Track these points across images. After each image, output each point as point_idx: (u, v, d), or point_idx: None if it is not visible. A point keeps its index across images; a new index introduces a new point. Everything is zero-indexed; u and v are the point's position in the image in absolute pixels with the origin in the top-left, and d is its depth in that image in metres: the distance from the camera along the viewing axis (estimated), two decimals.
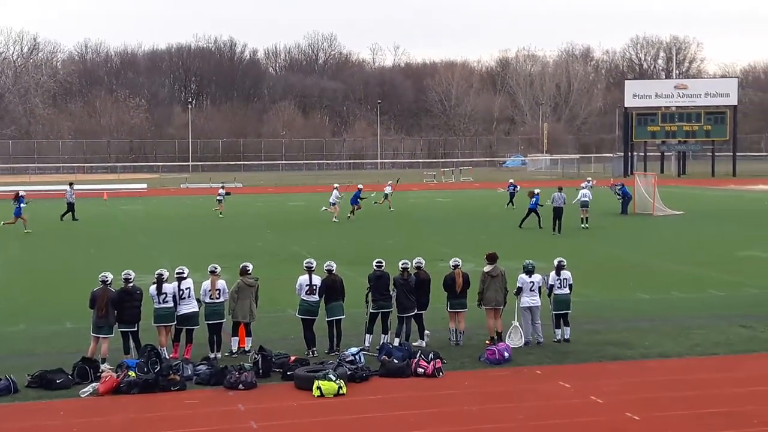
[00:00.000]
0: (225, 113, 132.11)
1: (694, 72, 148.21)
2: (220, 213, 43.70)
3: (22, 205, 37.16)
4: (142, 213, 47.90)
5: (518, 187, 47.18)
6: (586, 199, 36.64)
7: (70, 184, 43.94)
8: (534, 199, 36.19)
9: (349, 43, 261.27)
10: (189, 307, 15.48)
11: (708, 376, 14.06)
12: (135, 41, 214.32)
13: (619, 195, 42.58)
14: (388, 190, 46.37)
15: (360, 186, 43.29)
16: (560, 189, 35.74)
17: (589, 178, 46.43)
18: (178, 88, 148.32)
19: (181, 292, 15.43)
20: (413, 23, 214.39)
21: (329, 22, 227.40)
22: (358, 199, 41.69)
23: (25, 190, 40.86)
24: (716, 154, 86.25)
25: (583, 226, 35.69)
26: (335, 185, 42.81)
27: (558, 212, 34.62)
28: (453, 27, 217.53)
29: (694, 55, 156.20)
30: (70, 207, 41.72)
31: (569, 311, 16.44)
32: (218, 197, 44.55)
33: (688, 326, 17.51)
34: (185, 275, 15.55)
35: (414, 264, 16.40)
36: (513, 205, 45.03)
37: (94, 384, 13.68)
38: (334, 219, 40.29)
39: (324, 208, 41.84)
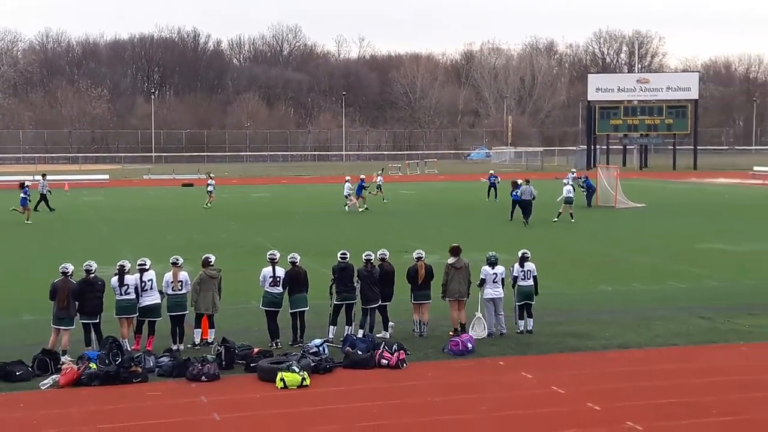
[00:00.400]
0: (188, 104, 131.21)
1: (656, 66, 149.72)
2: (208, 203, 43.51)
3: (23, 195, 37.70)
4: (103, 204, 47.44)
5: (499, 178, 47.42)
6: (570, 195, 36.53)
7: (43, 175, 44.45)
8: (518, 189, 35.90)
9: (314, 34, 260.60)
10: (151, 298, 15.36)
11: (668, 367, 14.22)
12: (97, 31, 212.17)
13: (583, 188, 42.91)
14: (379, 180, 46.75)
15: (362, 177, 43.42)
16: (527, 182, 36.00)
17: (573, 170, 46.86)
18: (141, 78, 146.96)
19: (143, 283, 15.31)
20: (378, 15, 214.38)
21: (294, 13, 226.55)
22: (362, 190, 42.08)
23: (30, 180, 41.17)
24: (677, 147, 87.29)
25: (569, 221, 35.59)
26: (347, 177, 43.54)
27: (525, 205, 34.85)
28: (418, 19, 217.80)
29: (656, 49, 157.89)
30: (43, 198, 41.95)
31: (533, 302, 16.55)
32: (208, 188, 44.35)
33: (649, 317, 17.70)
34: (147, 267, 15.42)
35: (378, 256, 16.42)
36: (496, 198, 45.12)
37: (54, 376, 13.53)
38: (346, 207, 41.14)
39: (347, 206, 41.69)
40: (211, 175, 46.05)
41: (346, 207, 41.22)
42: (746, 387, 13.08)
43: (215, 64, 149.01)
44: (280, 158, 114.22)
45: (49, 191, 42.66)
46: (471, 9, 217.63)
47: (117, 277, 15.23)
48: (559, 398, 12.63)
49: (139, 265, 15.43)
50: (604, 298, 20.11)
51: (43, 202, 41.78)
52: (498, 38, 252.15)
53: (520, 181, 36.70)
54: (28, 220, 37.01)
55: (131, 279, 15.27)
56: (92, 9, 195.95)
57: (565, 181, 39.10)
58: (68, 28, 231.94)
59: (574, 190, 37.59)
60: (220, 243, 29.12)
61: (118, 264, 15.39)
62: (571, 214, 35.94)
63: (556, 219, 35.74)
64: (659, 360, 14.67)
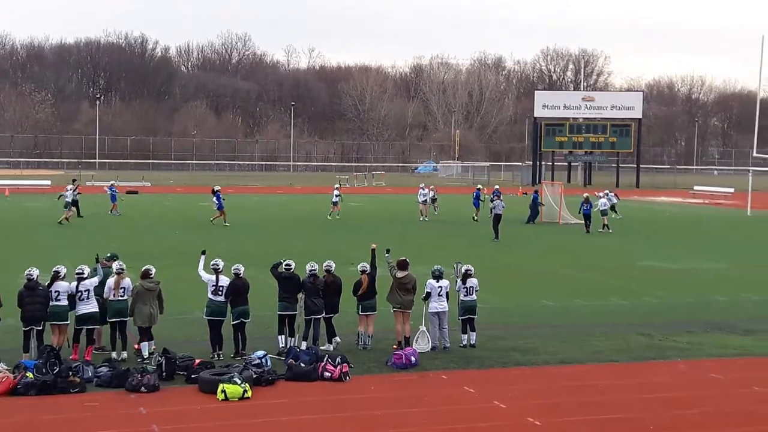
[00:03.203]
0: (134, 110, 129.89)
1: (601, 85, 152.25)
2: (337, 214, 43.14)
3: (215, 199, 38.79)
4: (44, 210, 46.58)
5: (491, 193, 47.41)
6: (605, 208, 40.31)
7: (73, 181, 43.93)
8: (588, 205, 38.85)
9: (264, 43, 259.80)
10: (88, 307, 15.08)
11: (608, 383, 14.40)
12: (42, 34, 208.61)
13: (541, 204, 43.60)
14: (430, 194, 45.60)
15: (479, 186, 45.95)
16: (499, 196, 36.80)
17: (608, 192, 47.83)
18: (86, 83, 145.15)
19: (79, 292, 15.02)
20: (328, 26, 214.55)
21: (243, 22, 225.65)
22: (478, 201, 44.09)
23: (220, 186, 41.43)
24: (621, 165, 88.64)
25: (601, 231, 38.61)
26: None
27: (498, 219, 35.23)
28: (368, 32, 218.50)
29: (602, 68, 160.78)
30: (74, 204, 41.39)
31: (475, 317, 16.64)
32: (334, 198, 43.80)
33: (590, 333, 17.92)
34: (85, 275, 15.16)
35: (323, 267, 16.38)
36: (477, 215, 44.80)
37: None
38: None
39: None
40: (337, 186, 44.99)
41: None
42: (684, 404, 13.30)
43: (163, 70, 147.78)
44: (227, 167, 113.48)
45: (78, 194, 42.15)
46: (421, 23, 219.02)
47: (49, 283, 14.97)
48: (500, 413, 12.72)
49: (76, 273, 15.15)
50: (546, 314, 20.31)
51: (75, 207, 41.37)
52: (447, 53, 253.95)
53: (587, 196, 39.92)
54: (225, 222, 38.40)
55: (63, 285, 14.99)
56: (38, 12, 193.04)
57: (600, 194, 42.45)
58: (13, 31, 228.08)
59: (608, 204, 41.09)
60: (165, 252, 28.79)
61: (53, 270, 15.13)
62: (606, 225, 38.86)
63: (602, 230, 38.77)
64: (600, 376, 14.85)
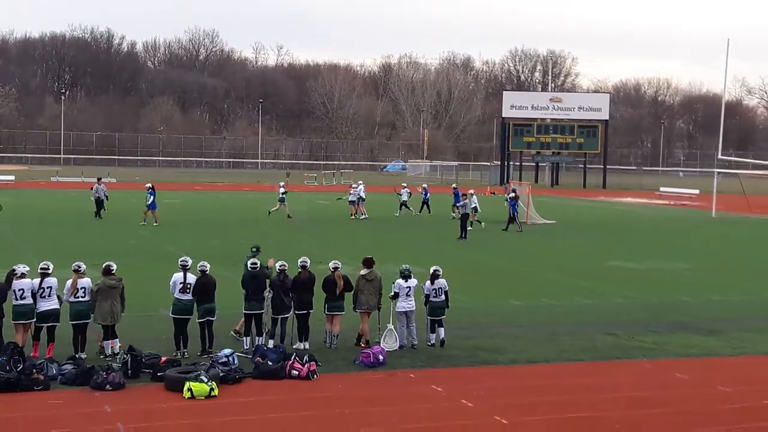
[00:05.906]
0: (100, 106, 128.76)
1: (568, 86, 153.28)
2: (354, 216, 43.37)
3: (152, 197, 37.90)
4: (8, 205, 45.98)
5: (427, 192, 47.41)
6: (475, 206, 39.71)
7: (99, 179, 42.77)
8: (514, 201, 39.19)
9: (232, 40, 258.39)
10: (49, 304, 14.87)
11: (573, 382, 14.47)
12: (6, 28, 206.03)
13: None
14: (359, 192, 44.15)
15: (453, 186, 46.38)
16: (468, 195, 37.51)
17: (471, 191, 47.85)
18: (51, 78, 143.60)
19: (41, 289, 14.80)
20: (297, 24, 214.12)
21: (211, 18, 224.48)
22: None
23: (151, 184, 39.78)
24: (588, 166, 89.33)
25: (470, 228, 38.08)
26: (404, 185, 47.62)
27: (465, 218, 35.32)
28: (337, 30, 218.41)
29: (569, 69, 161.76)
30: (100, 203, 40.58)
31: (443, 316, 16.66)
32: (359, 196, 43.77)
33: (556, 333, 18.01)
34: (50, 271, 14.96)
35: (299, 264, 16.27)
36: (429, 211, 45.50)
37: None
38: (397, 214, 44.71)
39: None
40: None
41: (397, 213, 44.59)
42: (649, 403, 13.40)
43: (129, 66, 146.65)
44: (193, 164, 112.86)
45: (107, 196, 41.15)
46: (389, 22, 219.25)
47: (7, 282, 14.74)
48: (467, 411, 12.73)
49: (41, 269, 14.94)
50: (513, 313, 20.38)
51: (100, 206, 40.51)
52: (416, 52, 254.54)
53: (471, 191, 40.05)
54: (155, 222, 37.40)
55: (26, 283, 14.77)
56: (1, 6, 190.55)
57: (471, 192, 41.36)
58: None
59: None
60: (130, 250, 28.54)
61: (12, 268, 14.92)
62: (472, 222, 38.26)
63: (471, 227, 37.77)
64: (566, 375, 14.92)
